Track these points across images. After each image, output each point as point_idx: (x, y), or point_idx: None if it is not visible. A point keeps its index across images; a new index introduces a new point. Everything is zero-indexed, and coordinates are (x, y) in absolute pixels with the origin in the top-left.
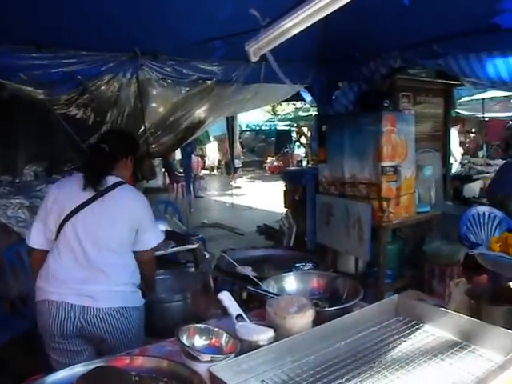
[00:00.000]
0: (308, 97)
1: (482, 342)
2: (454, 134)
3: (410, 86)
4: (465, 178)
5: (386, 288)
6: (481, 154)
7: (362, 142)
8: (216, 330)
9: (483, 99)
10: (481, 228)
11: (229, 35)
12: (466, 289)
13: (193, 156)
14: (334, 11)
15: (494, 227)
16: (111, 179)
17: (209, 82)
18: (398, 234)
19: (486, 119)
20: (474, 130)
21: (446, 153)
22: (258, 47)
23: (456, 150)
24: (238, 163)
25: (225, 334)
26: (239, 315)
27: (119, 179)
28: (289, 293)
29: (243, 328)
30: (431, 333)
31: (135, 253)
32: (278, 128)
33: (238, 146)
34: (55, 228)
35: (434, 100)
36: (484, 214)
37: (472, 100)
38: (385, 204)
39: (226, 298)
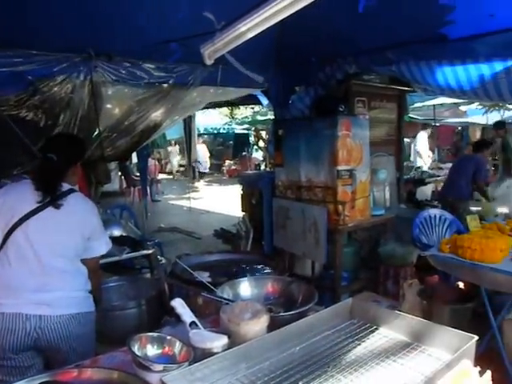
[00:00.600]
0: (265, 100)
1: (431, 342)
2: (424, 138)
3: (365, 92)
4: (417, 181)
5: (342, 290)
6: (432, 158)
7: (318, 146)
8: (169, 338)
9: (434, 105)
10: (432, 230)
11: (184, 38)
12: (418, 289)
13: (150, 159)
14: (290, 16)
15: (444, 229)
16: (63, 186)
17: (165, 84)
18: (353, 237)
19: (437, 124)
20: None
21: (400, 157)
22: (214, 50)
23: (425, 154)
24: (203, 168)
25: (178, 342)
26: (193, 322)
27: (70, 186)
28: (243, 298)
29: (197, 335)
30: (384, 335)
31: (83, 260)
32: (236, 131)
33: (204, 149)
34: (2, 235)
35: (388, 105)
36: (435, 216)
37: (424, 106)
38: (340, 207)
39: (179, 304)
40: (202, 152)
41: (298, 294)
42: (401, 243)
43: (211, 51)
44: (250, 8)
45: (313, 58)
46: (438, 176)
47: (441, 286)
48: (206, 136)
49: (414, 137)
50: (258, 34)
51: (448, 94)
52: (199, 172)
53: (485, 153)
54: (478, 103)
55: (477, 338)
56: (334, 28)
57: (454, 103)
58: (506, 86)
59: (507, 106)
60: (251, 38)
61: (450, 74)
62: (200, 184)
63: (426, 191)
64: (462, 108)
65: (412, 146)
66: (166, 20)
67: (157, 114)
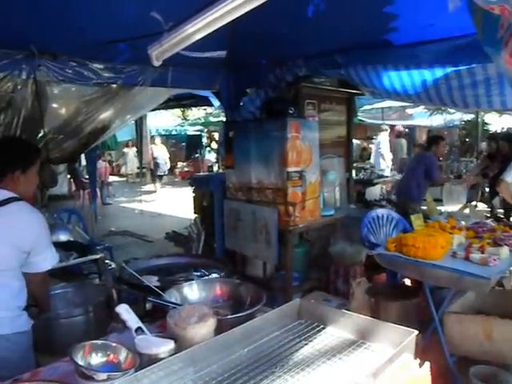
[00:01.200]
0: (216, 102)
1: (375, 338)
2: (385, 140)
3: (315, 94)
4: (367, 181)
5: (293, 290)
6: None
7: (268, 148)
8: (114, 345)
9: (382, 108)
10: (380, 229)
11: (133, 38)
12: (366, 288)
13: (100, 161)
14: (240, 18)
15: (391, 228)
16: (2, 194)
17: (113, 85)
18: (304, 237)
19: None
20: (375, 137)
21: (349, 158)
22: (161, 51)
23: (387, 155)
24: (162, 170)
25: (123, 349)
26: (139, 328)
27: (12, 194)
28: (191, 302)
29: (142, 341)
30: (331, 333)
31: (25, 273)
32: (189, 133)
33: (164, 150)
34: None
35: (338, 108)
36: (383, 216)
37: (372, 109)
38: (291, 208)
39: (124, 310)
40: (160, 153)
41: (247, 296)
42: (350, 243)
43: (159, 52)
44: (198, 9)
45: (263, 61)
46: (386, 177)
47: (387, 284)
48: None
49: (371, 138)
50: (209, 35)
51: (394, 98)
52: (157, 174)
53: (433, 150)
54: (423, 106)
55: (417, 332)
56: (284, 31)
57: (401, 106)
58: (446, 91)
59: (449, 110)
60: (202, 40)
61: (396, 78)
62: (153, 186)
63: (374, 191)
64: (409, 111)
65: (374, 147)
66: (114, 19)
67: (105, 115)
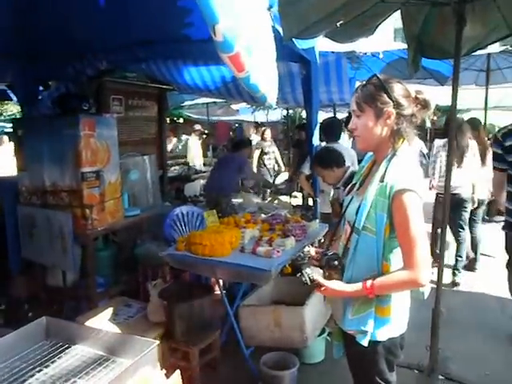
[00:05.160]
0: (14, 96)
1: (122, 353)
2: (195, 138)
3: (122, 89)
4: (184, 178)
5: (99, 297)
6: (209, 154)
7: (61, 148)
8: None
9: (207, 103)
10: (186, 227)
11: None
12: (160, 290)
13: None
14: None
15: (197, 224)
16: None
17: None
18: (111, 239)
19: (216, 122)
20: (206, 132)
21: (162, 155)
22: None
23: (197, 153)
24: None
25: None
26: None
27: None
28: None
29: None
30: (77, 352)
31: None
32: (6, 130)
33: None
34: None
35: (148, 103)
36: (187, 213)
37: (197, 104)
38: (87, 211)
39: None
40: None
41: None
42: (157, 242)
43: None
44: None
45: (61, 52)
46: (204, 172)
47: (190, 282)
48: None
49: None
50: None
51: (198, 93)
52: None
53: (243, 151)
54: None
55: (157, 342)
56: (84, 22)
57: (226, 101)
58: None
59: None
60: None
61: (196, 73)
62: None
63: (194, 187)
64: (234, 106)
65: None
66: None
67: None
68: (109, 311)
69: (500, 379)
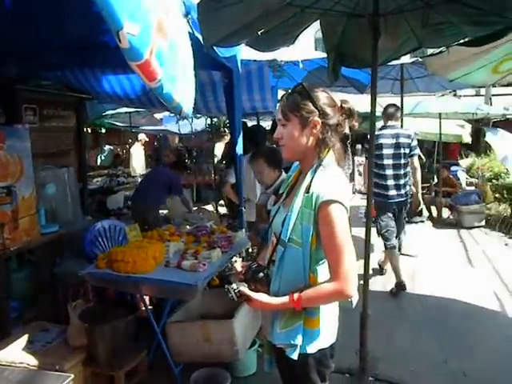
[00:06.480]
0: None
1: None
2: (138, 147)
3: (36, 98)
4: (107, 190)
5: (12, 324)
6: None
7: None
8: None
9: (130, 112)
10: (108, 242)
11: None
12: (80, 311)
13: None
14: None
15: (120, 239)
16: None
17: None
18: (27, 259)
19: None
20: (130, 141)
21: (82, 166)
22: None
23: (139, 163)
24: None
25: None
26: None
27: None
28: None
29: None
30: None
31: None
32: None
33: None
34: None
35: (65, 113)
36: (110, 227)
37: (120, 113)
38: None
39: None
40: None
41: None
42: (78, 260)
43: None
44: None
45: None
46: (128, 184)
47: (115, 301)
48: None
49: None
50: None
51: (118, 102)
52: None
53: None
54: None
55: (72, 376)
56: None
57: (149, 110)
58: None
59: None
60: None
61: (115, 82)
62: None
63: (117, 199)
64: (157, 116)
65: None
66: None
67: None
68: (23, 339)
69: (423, 372)
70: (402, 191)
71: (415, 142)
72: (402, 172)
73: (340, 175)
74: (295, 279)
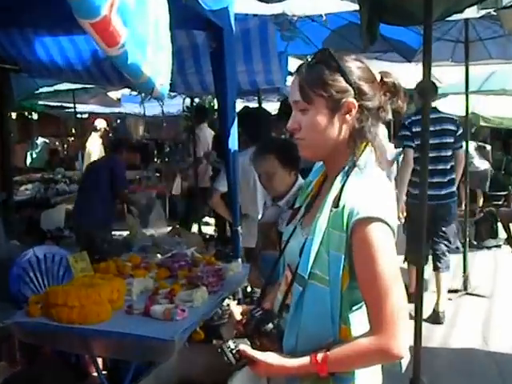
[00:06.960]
0: None
1: None
2: (97, 138)
3: None
4: (41, 203)
5: None
6: (78, 164)
7: None
8: None
9: (73, 90)
10: (44, 278)
11: None
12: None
13: None
14: None
15: (61, 274)
16: None
17: None
18: None
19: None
20: (75, 131)
21: (5, 169)
22: None
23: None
24: None
25: None
26: None
27: None
28: None
29: None
30: None
31: None
32: None
33: None
34: None
35: None
36: (46, 256)
37: (60, 91)
38: None
39: None
40: None
41: None
42: (1, 303)
43: None
44: None
45: None
46: (71, 193)
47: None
48: None
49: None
50: None
51: (57, 75)
52: None
53: (123, 154)
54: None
55: None
56: None
57: (102, 87)
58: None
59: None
60: None
61: (53, 46)
62: None
63: (56, 216)
64: (113, 94)
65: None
66: None
67: None
68: None
69: None
70: (444, 191)
71: (461, 130)
72: (448, 167)
73: (383, 181)
74: (319, 332)
